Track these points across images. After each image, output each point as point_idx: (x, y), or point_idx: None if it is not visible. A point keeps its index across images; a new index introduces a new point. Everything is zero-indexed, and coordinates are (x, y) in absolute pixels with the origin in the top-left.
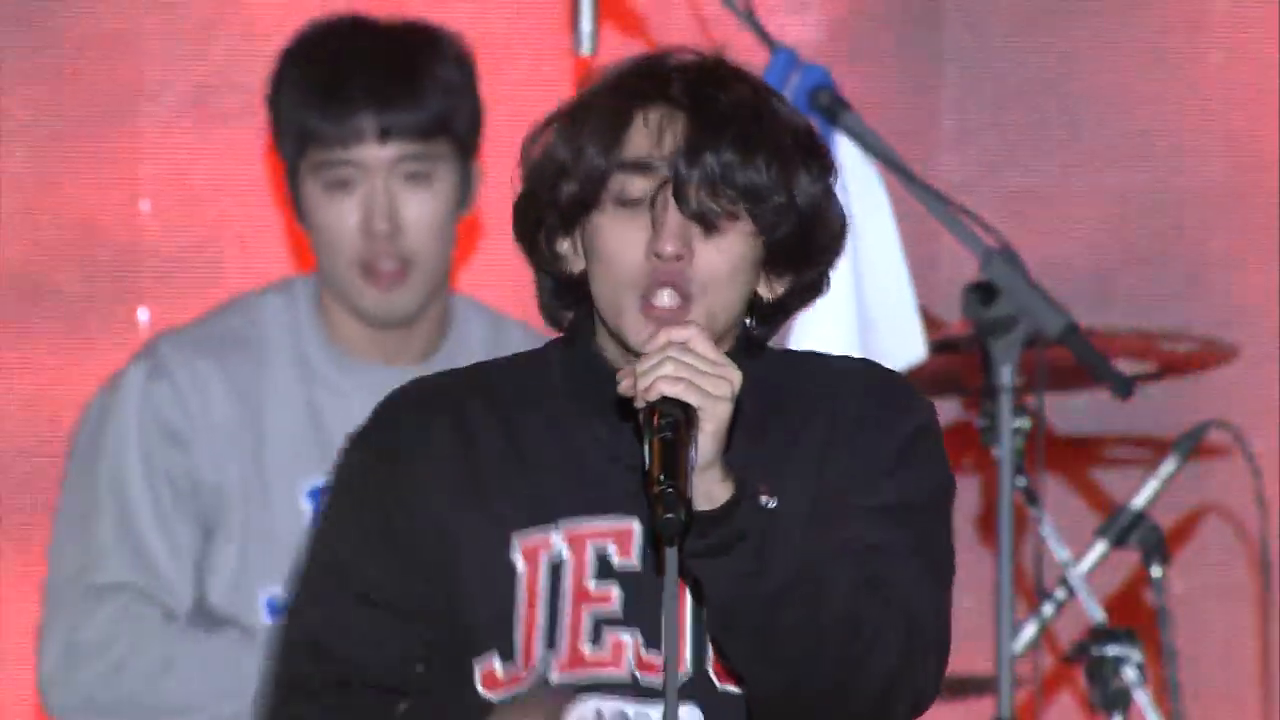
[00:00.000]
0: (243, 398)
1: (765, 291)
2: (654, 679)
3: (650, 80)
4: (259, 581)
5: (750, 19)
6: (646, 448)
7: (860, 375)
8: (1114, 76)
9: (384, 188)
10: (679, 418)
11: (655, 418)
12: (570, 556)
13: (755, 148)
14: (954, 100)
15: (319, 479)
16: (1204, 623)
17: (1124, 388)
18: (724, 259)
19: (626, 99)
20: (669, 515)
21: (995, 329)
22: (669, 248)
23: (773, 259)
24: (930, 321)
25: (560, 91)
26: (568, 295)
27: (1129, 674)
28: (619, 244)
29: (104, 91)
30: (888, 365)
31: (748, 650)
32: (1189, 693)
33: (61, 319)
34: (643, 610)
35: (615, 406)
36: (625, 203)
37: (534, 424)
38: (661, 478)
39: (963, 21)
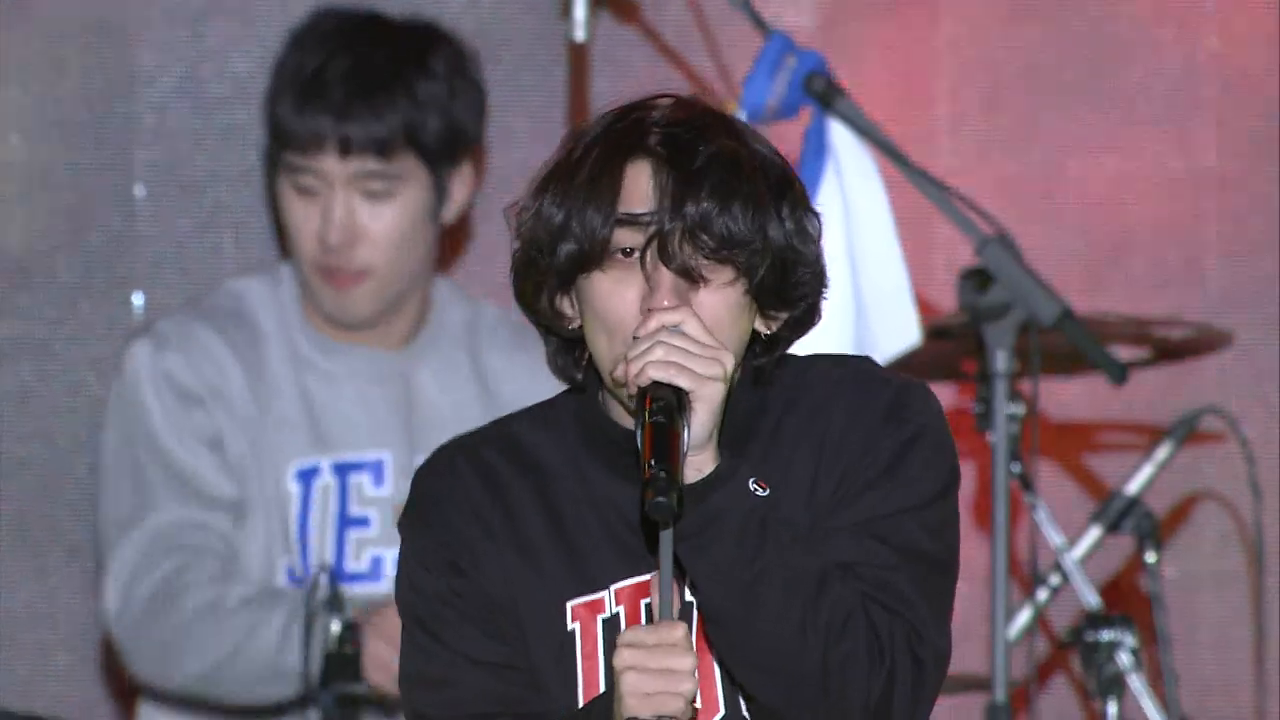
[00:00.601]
0: (246, 366)
1: (762, 328)
2: None
3: (633, 135)
4: (252, 561)
5: (745, 5)
6: (639, 432)
7: (850, 392)
8: (1107, 63)
9: (343, 201)
10: (670, 401)
11: (647, 403)
12: (624, 612)
13: (732, 196)
14: (948, 86)
15: (307, 461)
16: (1198, 608)
17: (1118, 374)
18: (721, 301)
19: (613, 156)
20: (660, 499)
21: (990, 315)
22: (665, 305)
23: (760, 299)
24: (925, 307)
25: (554, 78)
26: (573, 352)
27: (1123, 659)
28: (614, 300)
29: (99, 78)
30: (883, 351)
31: (728, 641)
32: (1183, 677)
33: (56, 304)
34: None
35: (634, 462)
36: (617, 259)
37: (566, 489)
38: (653, 462)
39: (957, 7)
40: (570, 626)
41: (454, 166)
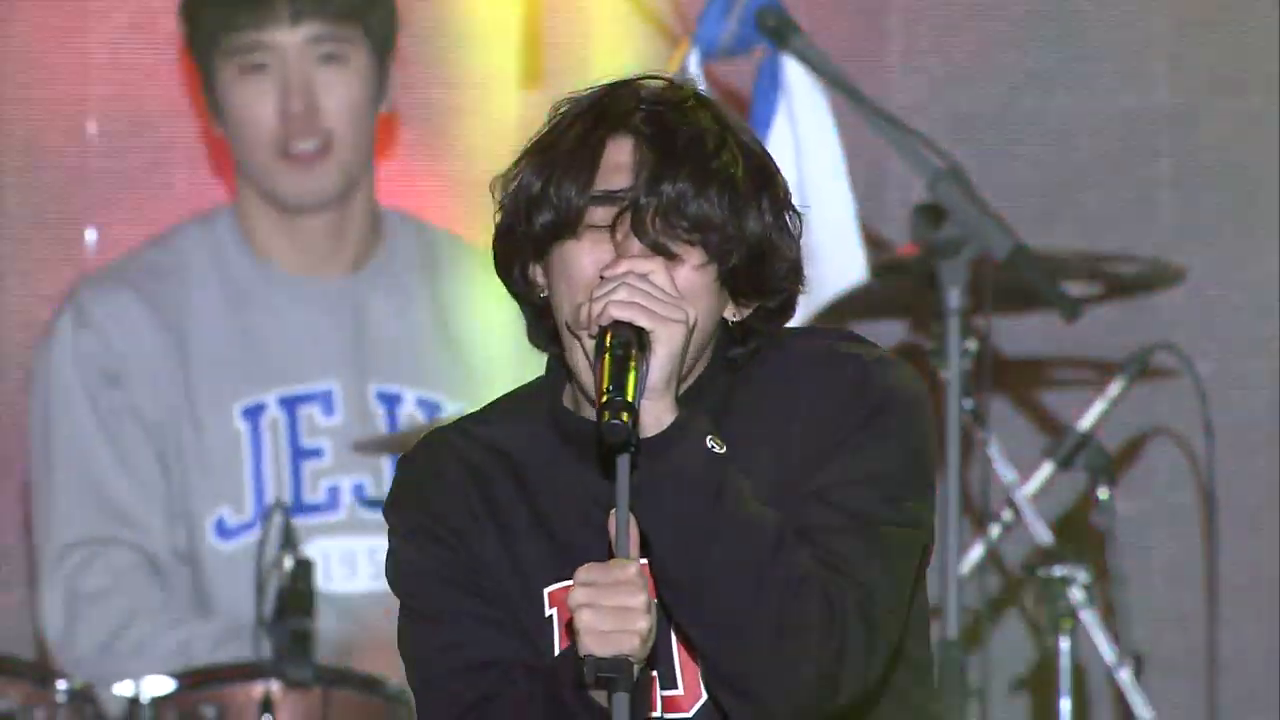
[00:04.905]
0: (167, 326)
1: (731, 314)
2: (670, 715)
3: (618, 109)
4: (204, 505)
5: None
6: (596, 366)
7: (818, 369)
8: (1060, 0)
9: (299, 68)
10: (630, 339)
11: (607, 339)
12: None
13: (709, 180)
14: (902, 23)
15: (251, 399)
16: (1150, 544)
17: (1071, 310)
18: (689, 280)
19: (595, 129)
20: (615, 421)
21: (943, 251)
22: (635, 254)
23: (732, 286)
24: (878, 244)
25: (508, 16)
26: (546, 324)
27: (1075, 595)
28: (582, 260)
29: (52, 13)
30: (830, 287)
31: (681, 599)
32: (1135, 613)
33: (9, 240)
34: (659, 647)
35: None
36: (590, 229)
37: (542, 479)
38: (610, 388)
39: None
40: (549, 612)
41: (389, 53)
